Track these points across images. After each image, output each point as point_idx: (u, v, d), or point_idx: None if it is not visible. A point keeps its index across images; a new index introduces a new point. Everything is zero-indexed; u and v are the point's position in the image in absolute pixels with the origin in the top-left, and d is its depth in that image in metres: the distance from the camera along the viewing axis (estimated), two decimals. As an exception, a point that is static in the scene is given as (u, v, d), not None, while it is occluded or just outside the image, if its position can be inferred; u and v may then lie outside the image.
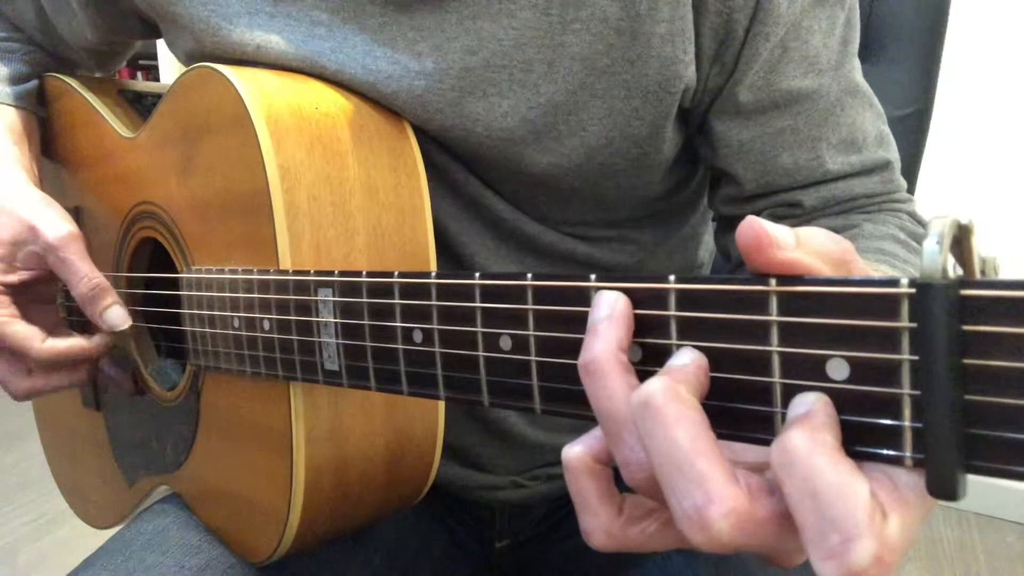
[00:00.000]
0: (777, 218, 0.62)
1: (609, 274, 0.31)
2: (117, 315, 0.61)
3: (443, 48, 0.55)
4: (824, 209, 0.61)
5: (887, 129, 0.63)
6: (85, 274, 0.60)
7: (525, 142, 0.57)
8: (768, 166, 0.60)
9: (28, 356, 0.61)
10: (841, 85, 0.59)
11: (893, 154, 0.63)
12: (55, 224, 0.61)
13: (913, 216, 0.63)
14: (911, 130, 0.85)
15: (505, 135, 0.56)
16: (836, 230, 0.43)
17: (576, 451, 0.31)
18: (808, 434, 0.25)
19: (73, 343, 0.62)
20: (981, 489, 1.84)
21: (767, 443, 0.27)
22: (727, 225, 0.66)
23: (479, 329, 0.36)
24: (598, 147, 0.57)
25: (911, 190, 0.86)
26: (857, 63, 0.61)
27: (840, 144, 0.60)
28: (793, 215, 0.61)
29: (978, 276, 0.25)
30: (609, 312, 0.31)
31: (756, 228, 0.27)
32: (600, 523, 0.31)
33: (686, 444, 0.26)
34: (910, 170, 0.85)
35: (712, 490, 0.25)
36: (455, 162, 0.60)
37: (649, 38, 0.54)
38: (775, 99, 0.57)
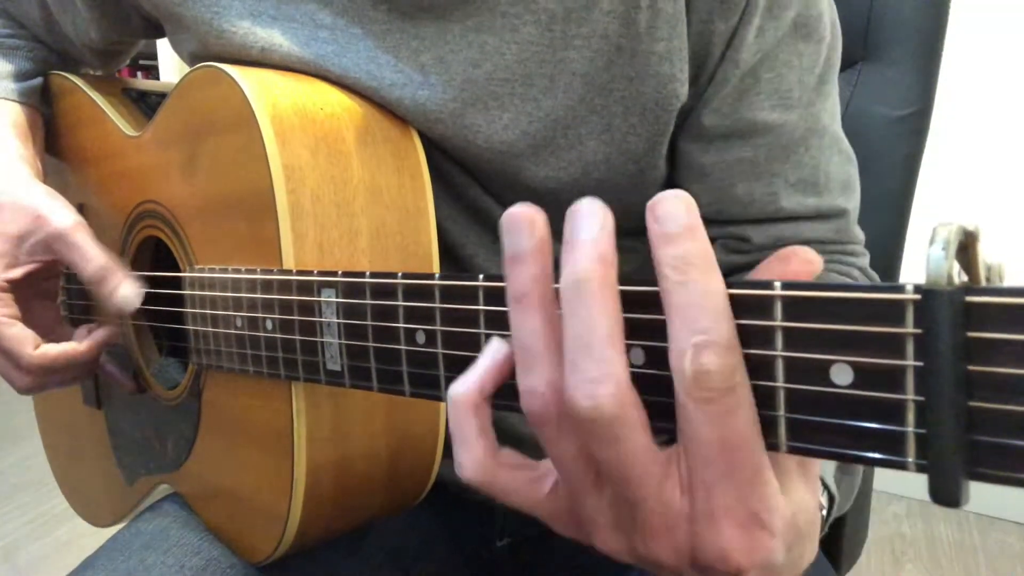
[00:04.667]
0: (727, 251, 0.62)
1: None
2: (128, 290, 0.59)
3: (446, 60, 0.56)
4: (772, 248, 0.60)
5: (856, 177, 0.63)
6: (94, 256, 0.60)
7: (524, 155, 0.57)
8: (723, 194, 0.60)
9: (20, 361, 0.61)
10: (808, 124, 0.58)
11: (853, 203, 0.63)
12: (61, 213, 0.61)
13: (864, 272, 0.63)
14: (911, 130, 0.85)
15: (504, 147, 0.57)
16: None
17: (462, 390, 0.33)
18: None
19: (65, 349, 0.61)
20: (981, 489, 1.82)
21: (772, 447, 0.28)
22: None
23: (482, 331, 0.36)
24: (595, 162, 0.58)
25: (909, 191, 0.85)
26: (831, 104, 0.61)
27: (798, 183, 0.59)
28: (741, 250, 0.62)
29: (983, 283, 0.25)
30: (530, 242, 0.30)
31: None
32: (474, 456, 0.33)
33: (603, 331, 0.28)
34: (910, 170, 0.85)
35: (612, 372, 0.28)
36: (456, 166, 0.60)
37: (647, 56, 0.54)
38: (738, 128, 0.57)
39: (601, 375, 0.28)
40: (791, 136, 0.58)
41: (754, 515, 0.28)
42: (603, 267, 0.29)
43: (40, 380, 0.63)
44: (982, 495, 1.97)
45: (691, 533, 0.29)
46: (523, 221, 0.31)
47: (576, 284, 0.29)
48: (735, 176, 0.59)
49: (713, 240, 0.63)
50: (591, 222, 0.30)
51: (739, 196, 0.59)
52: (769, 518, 0.28)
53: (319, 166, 0.52)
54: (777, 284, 0.27)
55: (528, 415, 0.31)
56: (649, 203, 0.28)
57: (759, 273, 0.31)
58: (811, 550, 0.33)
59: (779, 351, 0.27)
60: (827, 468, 0.42)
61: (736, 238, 0.61)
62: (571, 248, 0.29)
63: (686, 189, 0.60)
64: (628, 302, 0.30)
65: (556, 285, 0.30)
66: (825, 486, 0.41)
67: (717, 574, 0.29)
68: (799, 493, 0.31)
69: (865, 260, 0.64)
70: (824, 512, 0.39)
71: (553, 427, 0.31)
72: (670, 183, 0.64)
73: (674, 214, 0.27)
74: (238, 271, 0.52)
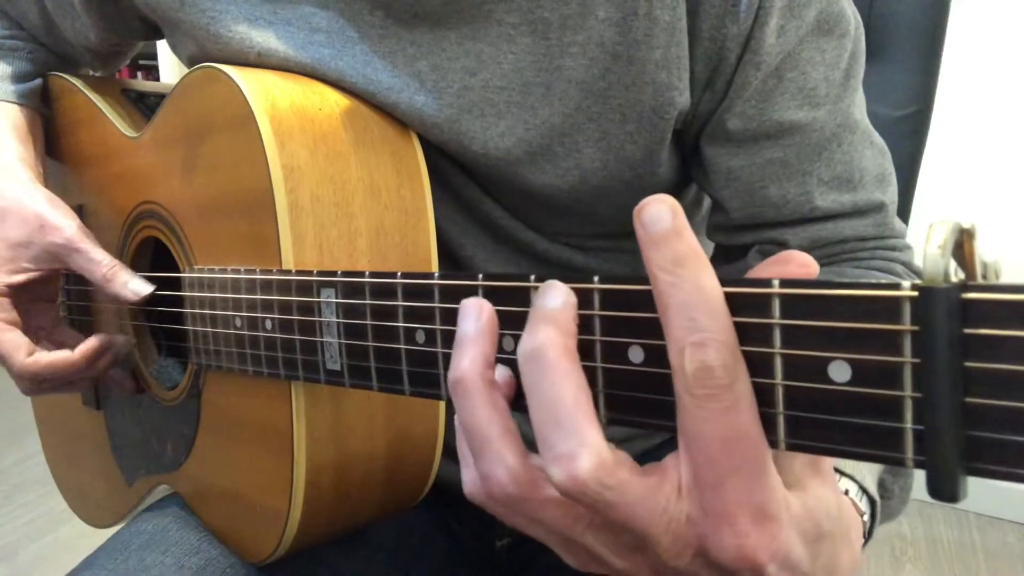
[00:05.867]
0: (764, 255, 0.61)
1: (612, 275, 0.32)
2: (139, 283, 0.61)
3: (442, 67, 0.56)
4: (812, 251, 0.60)
5: (890, 169, 0.62)
6: (102, 259, 0.61)
7: (520, 162, 0.57)
8: (755, 196, 0.59)
9: (12, 368, 0.61)
10: (838, 120, 0.58)
11: (890, 196, 0.62)
12: (64, 221, 0.62)
13: (908, 267, 0.61)
14: (911, 130, 0.85)
15: (501, 154, 0.57)
16: None
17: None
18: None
19: (57, 357, 0.61)
20: (981, 489, 1.84)
21: (772, 445, 0.28)
22: (720, 254, 0.66)
23: (482, 330, 0.36)
24: (593, 170, 0.57)
25: (909, 191, 0.85)
26: (859, 98, 0.60)
27: (832, 181, 0.59)
28: None
29: (979, 280, 0.25)
30: (474, 327, 0.32)
31: None
32: (469, 475, 0.33)
33: (569, 400, 0.28)
34: (910, 170, 0.85)
35: (587, 441, 0.27)
36: (454, 167, 0.60)
37: (644, 64, 0.54)
38: (766, 129, 0.56)
39: (575, 448, 0.27)
40: (822, 133, 0.57)
41: (761, 508, 0.27)
42: (559, 335, 0.29)
43: (33, 386, 0.63)
44: (982, 495, 1.98)
45: (704, 535, 0.28)
46: (471, 308, 0.32)
47: (532, 353, 0.29)
48: (766, 178, 0.58)
49: (749, 246, 0.63)
50: (553, 296, 0.30)
51: (772, 198, 0.59)
52: (776, 510, 0.28)
53: (318, 166, 0.52)
54: (775, 282, 0.27)
55: (486, 500, 0.31)
56: (635, 208, 0.28)
57: (757, 275, 0.31)
58: (849, 555, 0.32)
59: (777, 348, 0.27)
60: (867, 474, 0.41)
61: (773, 242, 0.60)
62: (529, 320, 0.30)
63: (717, 195, 0.60)
64: (625, 302, 0.31)
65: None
66: (863, 490, 0.40)
67: (738, 572, 0.28)
68: (814, 490, 0.30)
69: (909, 255, 0.62)
70: (867, 518, 0.38)
71: (518, 506, 0.30)
72: (672, 189, 0.64)
73: (659, 217, 0.28)
74: (237, 271, 0.52)
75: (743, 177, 0.58)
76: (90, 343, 0.62)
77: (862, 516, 0.37)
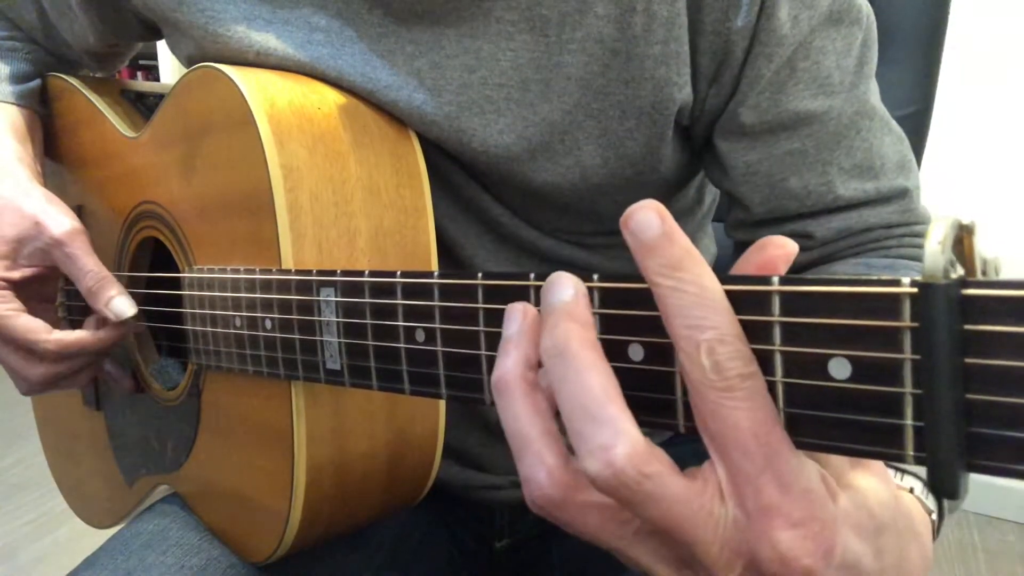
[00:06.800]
0: None
1: (611, 274, 0.32)
2: (122, 303, 0.60)
3: (441, 65, 0.56)
4: (838, 241, 0.60)
5: (910, 155, 0.61)
6: (90, 268, 0.60)
7: (520, 160, 0.57)
8: (776, 190, 0.58)
9: (35, 348, 0.61)
10: (855, 107, 0.57)
11: (913, 182, 0.61)
12: (60, 219, 0.62)
13: None
14: (911, 130, 0.85)
15: (500, 151, 0.57)
16: None
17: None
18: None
19: (80, 335, 0.62)
20: (981, 489, 1.84)
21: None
22: (740, 250, 0.65)
23: (482, 328, 0.36)
24: (593, 167, 0.57)
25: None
26: (874, 86, 0.59)
27: (853, 169, 0.58)
28: (806, 247, 0.60)
29: (979, 276, 0.25)
30: (517, 329, 0.32)
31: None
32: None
33: (599, 391, 0.28)
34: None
35: (621, 429, 0.27)
36: (454, 165, 0.60)
37: (643, 60, 0.54)
38: (782, 120, 0.56)
39: (610, 438, 0.27)
40: (839, 122, 0.57)
41: (803, 496, 0.26)
42: (578, 327, 0.29)
43: (53, 370, 0.63)
44: (982, 495, 1.98)
45: (748, 539, 0.27)
46: (516, 311, 0.32)
47: (555, 349, 0.29)
48: (786, 170, 0.58)
49: None
50: (563, 289, 0.30)
51: (793, 190, 0.58)
52: (812, 507, 0.27)
53: (317, 165, 0.52)
54: (775, 279, 0.27)
55: (531, 505, 0.30)
56: (621, 219, 0.28)
57: (740, 265, 0.31)
58: (918, 549, 0.31)
59: (777, 346, 0.27)
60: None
61: (797, 235, 0.60)
62: (544, 317, 0.30)
63: (736, 191, 0.59)
64: (624, 300, 0.31)
65: None
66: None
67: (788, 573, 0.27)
68: (858, 482, 0.30)
69: None
70: (935, 516, 0.36)
71: (561, 512, 0.30)
72: (673, 186, 0.64)
73: (647, 224, 0.28)
74: (237, 271, 0.52)
75: (762, 171, 0.58)
76: (108, 331, 0.63)
77: (930, 514, 0.35)
